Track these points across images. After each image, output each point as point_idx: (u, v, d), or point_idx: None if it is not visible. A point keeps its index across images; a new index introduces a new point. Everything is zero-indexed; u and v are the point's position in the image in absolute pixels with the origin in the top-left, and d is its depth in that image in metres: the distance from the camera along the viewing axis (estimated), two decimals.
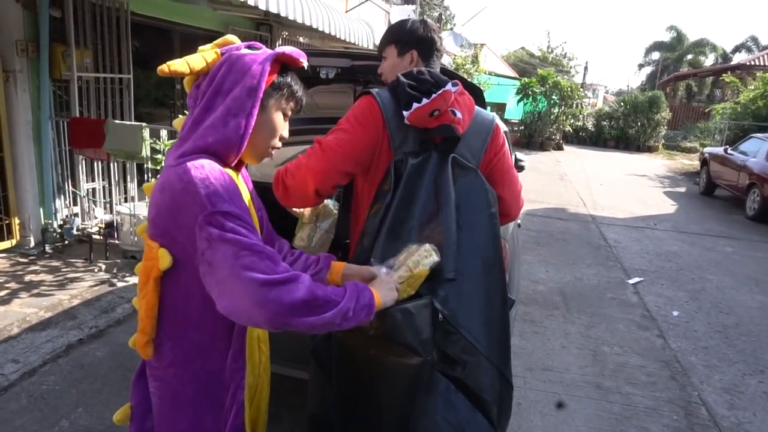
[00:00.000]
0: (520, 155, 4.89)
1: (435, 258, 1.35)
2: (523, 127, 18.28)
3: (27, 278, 4.10)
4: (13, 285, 3.96)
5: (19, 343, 3.17)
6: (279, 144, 1.32)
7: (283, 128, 1.31)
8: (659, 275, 5.46)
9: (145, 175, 4.57)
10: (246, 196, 1.28)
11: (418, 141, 1.54)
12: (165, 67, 1.18)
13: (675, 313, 4.47)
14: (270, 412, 1.50)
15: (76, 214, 5.02)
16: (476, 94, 1.98)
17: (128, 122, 4.95)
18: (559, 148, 17.69)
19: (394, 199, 1.49)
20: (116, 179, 4.84)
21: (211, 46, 1.26)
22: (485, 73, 16.45)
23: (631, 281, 5.18)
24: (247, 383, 1.31)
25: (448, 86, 1.51)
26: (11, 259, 4.44)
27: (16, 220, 4.63)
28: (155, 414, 1.32)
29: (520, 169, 4.77)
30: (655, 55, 37.70)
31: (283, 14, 5.89)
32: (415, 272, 1.33)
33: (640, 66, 40.06)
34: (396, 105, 1.52)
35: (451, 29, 30.20)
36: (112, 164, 4.73)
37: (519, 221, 3.21)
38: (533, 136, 17.62)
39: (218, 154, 1.18)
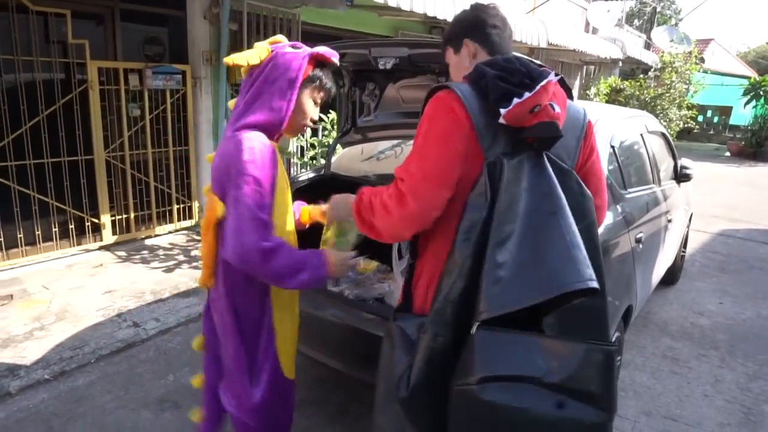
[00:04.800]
0: (686, 161, 4.09)
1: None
2: (749, 134, 15.41)
3: (193, 253, 4.80)
4: (180, 257, 4.67)
5: (164, 306, 3.73)
6: (310, 124, 1.63)
7: (314, 113, 1.60)
8: None
9: (292, 168, 4.98)
10: (281, 168, 1.58)
11: (511, 142, 1.27)
12: (230, 60, 1.49)
13: None
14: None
15: None
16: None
17: None
18: None
19: (493, 212, 1.21)
20: None
21: (266, 43, 1.54)
22: (701, 71, 14.21)
23: None
24: (278, 330, 1.61)
25: (551, 76, 1.28)
26: (188, 236, 5.25)
27: (196, 204, 5.46)
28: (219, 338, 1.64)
29: (686, 178, 3.99)
30: None
31: (440, 17, 5.89)
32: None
33: None
34: (481, 100, 1.27)
35: (676, 25, 26.98)
36: None
37: (641, 234, 2.70)
38: (762, 144, 14.72)
39: (266, 130, 1.49)
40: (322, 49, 1.55)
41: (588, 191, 1.30)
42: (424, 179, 1.27)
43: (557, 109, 1.26)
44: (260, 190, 1.40)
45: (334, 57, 1.57)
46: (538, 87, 1.23)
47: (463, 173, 1.27)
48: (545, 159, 1.25)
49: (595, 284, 1.12)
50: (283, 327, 1.63)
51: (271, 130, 1.50)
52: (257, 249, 1.38)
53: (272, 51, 1.52)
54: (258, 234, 1.38)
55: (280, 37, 1.59)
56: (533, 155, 1.25)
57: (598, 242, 1.29)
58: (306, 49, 1.53)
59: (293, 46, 1.54)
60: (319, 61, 1.55)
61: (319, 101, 1.60)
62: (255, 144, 1.42)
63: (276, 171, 1.48)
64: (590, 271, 1.13)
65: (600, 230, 2.23)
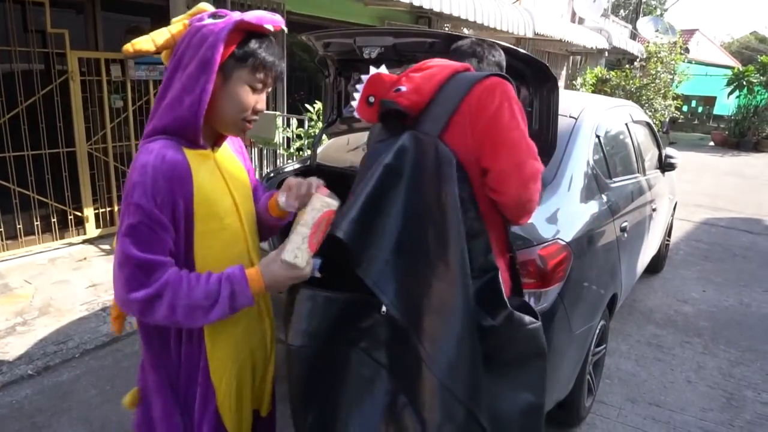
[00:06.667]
0: (671, 151, 4.12)
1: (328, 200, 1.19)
2: (732, 124, 15.57)
3: None
4: None
5: None
6: (253, 117, 1.21)
7: (256, 101, 1.19)
8: None
9: (278, 160, 4.94)
10: (218, 182, 1.23)
11: (385, 128, 1.42)
12: (129, 47, 1.15)
13: None
14: None
15: None
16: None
17: (265, 111, 5.43)
18: None
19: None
20: (256, 163, 5.32)
21: (183, 17, 1.18)
22: (685, 61, 14.31)
23: None
24: (214, 366, 1.24)
25: (372, 70, 1.37)
26: None
27: None
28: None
29: (671, 167, 4.03)
30: None
31: (426, 6, 5.86)
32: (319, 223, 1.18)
33: None
34: None
35: (661, 15, 27.12)
36: (253, 149, 5.22)
37: (626, 222, 2.71)
38: (745, 134, 14.89)
39: (178, 134, 1.14)
40: (251, 16, 1.12)
41: (448, 153, 1.25)
42: None
43: (403, 88, 1.31)
44: (147, 222, 1.07)
45: (270, 24, 1.15)
46: (360, 85, 1.35)
47: None
48: (403, 134, 1.31)
49: (337, 233, 1.17)
50: (226, 377, 1.27)
51: (183, 134, 1.14)
52: (132, 300, 1.08)
53: (188, 25, 1.14)
54: (129, 283, 1.08)
55: (204, 5, 1.19)
56: (397, 135, 1.32)
57: (452, 212, 1.21)
58: (230, 18, 1.12)
59: (215, 15, 1.15)
60: (250, 33, 1.14)
61: (260, 85, 1.18)
62: (150, 159, 1.08)
63: (188, 190, 1.12)
64: (344, 222, 1.19)
65: (585, 219, 2.27)
